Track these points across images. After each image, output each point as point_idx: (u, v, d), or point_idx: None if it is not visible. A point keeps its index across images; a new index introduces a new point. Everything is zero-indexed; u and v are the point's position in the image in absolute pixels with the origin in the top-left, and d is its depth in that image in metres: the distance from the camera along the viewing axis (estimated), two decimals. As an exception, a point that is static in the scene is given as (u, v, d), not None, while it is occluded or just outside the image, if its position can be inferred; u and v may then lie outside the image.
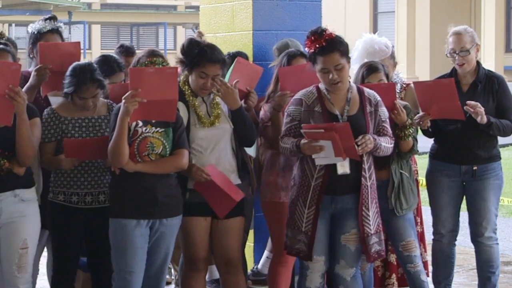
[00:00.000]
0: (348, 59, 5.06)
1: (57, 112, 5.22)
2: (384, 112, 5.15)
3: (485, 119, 5.59)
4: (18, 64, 4.96)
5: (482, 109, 5.58)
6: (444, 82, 5.65)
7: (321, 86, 5.13)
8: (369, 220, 5.05)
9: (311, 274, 5.18)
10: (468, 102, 5.57)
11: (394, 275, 6.10)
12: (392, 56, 6.49)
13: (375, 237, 5.10)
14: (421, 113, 5.65)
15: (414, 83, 5.69)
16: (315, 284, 5.19)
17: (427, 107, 5.61)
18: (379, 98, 5.15)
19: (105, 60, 5.69)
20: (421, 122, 5.64)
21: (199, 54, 5.16)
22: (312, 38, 5.02)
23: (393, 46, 6.59)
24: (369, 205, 5.06)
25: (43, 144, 5.18)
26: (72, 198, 5.20)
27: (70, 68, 5.20)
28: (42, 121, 5.21)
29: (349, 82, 5.15)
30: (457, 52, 5.76)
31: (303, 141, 4.98)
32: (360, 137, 4.94)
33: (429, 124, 5.67)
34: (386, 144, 5.10)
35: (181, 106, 5.19)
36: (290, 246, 5.21)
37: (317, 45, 4.99)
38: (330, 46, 4.99)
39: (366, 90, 5.15)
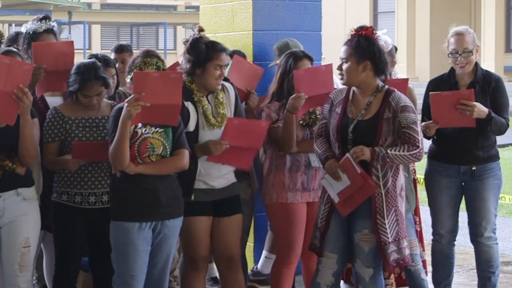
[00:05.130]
0: (361, 60, 5.00)
1: (61, 112, 5.23)
2: (407, 117, 4.97)
3: (484, 112, 5.58)
4: (31, 65, 4.95)
5: (477, 109, 5.56)
6: (463, 93, 5.61)
7: (353, 88, 5.14)
8: (386, 229, 4.99)
9: (322, 269, 5.18)
10: (463, 101, 5.55)
11: (392, 275, 6.11)
12: (391, 54, 6.50)
13: (393, 246, 5.02)
14: (428, 122, 5.65)
15: (431, 94, 5.60)
16: (325, 280, 5.18)
17: (440, 117, 5.60)
18: (403, 103, 5.00)
19: (92, 58, 5.73)
20: (427, 130, 5.64)
21: (209, 48, 5.19)
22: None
23: (396, 49, 6.61)
24: (384, 213, 4.99)
25: (46, 144, 5.19)
26: (75, 198, 5.21)
27: (74, 66, 5.21)
28: (46, 121, 5.22)
29: (378, 85, 5.08)
30: (459, 53, 5.76)
31: (329, 162, 5.04)
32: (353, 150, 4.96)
33: (433, 132, 5.68)
34: (400, 152, 4.94)
35: (190, 107, 5.20)
36: (310, 241, 5.26)
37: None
38: (348, 40, 5.07)
39: (393, 95, 5.04)
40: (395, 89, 5.11)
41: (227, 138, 5.08)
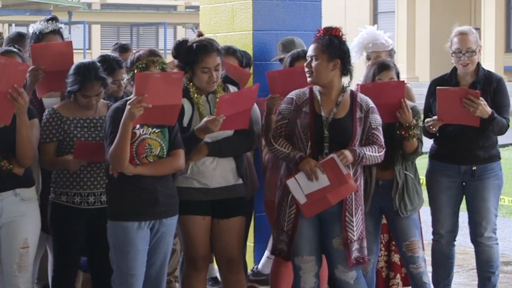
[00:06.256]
0: (332, 59, 5.05)
1: (58, 112, 5.23)
2: (375, 119, 5.13)
3: (488, 113, 5.57)
4: (26, 65, 4.96)
5: (481, 108, 5.55)
6: (471, 91, 5.61)
7: (315, 88, 5.17)
8: (353, 226, 5.07)
9: (304, 275, 5.20)
10: (470, 97, 5.55)
11: (398, 275, 6.10)
12: (390, 54, 6.52)
13: (357, 244, 5.10)
14: (434, 117, 5.66)
15: (438, 89, 5.61)
16: (309, 284, 5.20)
17: (445, 113, 5.60)
18: (371, 105, 5.14)
19: (104, 59, 5.67)
20: (431, 127, 5.65)
21: (192, 51, 5.18)
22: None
23: (394, 51, 6.61)
24: (353, 211, 5.08)
25: (44, 144, 5.18)
26: (75, 198, 5.22)
27: (73, 66, 5.21)
28: (43, 121, 5.21)
29: (343, 85, 5.16)
30: (463, 52, 5.76)
31: (307, 161, 5.00)
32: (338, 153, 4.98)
33: (437, 129, 5.68)
34: (373, 153, 5.08)
35: (186, 103, 5.19)
36: (274, 246, 5.25)
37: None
38: (317, 38, 5.11)
39: (359, 96, 5.16)
40: (359, 92, 5.21)
41: (222, 112, 5.06)
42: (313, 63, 5.07)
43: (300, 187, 5.04)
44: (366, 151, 5.05)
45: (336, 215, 5.08)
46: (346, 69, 5.13)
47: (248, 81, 6.26)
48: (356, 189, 5.05)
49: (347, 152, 4.98)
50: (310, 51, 5.12)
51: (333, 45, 5.07)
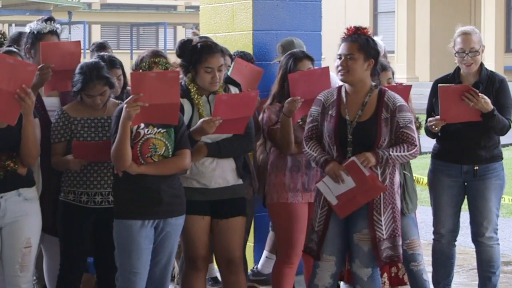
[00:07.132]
0: (367, 58, 5.04)
1: (66, 112, 5.26)
2: (404, 117, 5.04)
3: (489, 107, 5.57)
4: (35, 66, 4.95)
5: (484, 101, 5.56)
6: (471, 88, 5.62)
7: (343, 88, 5.15)
8: (381, 225, 5.03)
9: (320, 272, 5.20)
10: (471, 92, 5.54)
11: (385, 274, 6.11)
12: (384, 56, 6.53)
13: (388, 242, 5.06)
14: (436, 117, 5.67)
15: (439, 86, 5.62)
16: (323, 282, 5.20)
17: (447, 111, 5.60)
18: (399, 103, 5.06)
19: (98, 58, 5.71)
20: (433, 126, 5.65)
21: (196, 51, 5.18)
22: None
23: (388, 51, 6.61)
24: (381, 210, 5.03)
25: (53, 145, 5.22)
26: (82, 197, 5.23)
27: (78, 66, 5.23)
28: (53, 122, 5.25)
29: (372, 85, 5.12)
30: (466, 52, 5.77)
31: (332, 165, 5.01)
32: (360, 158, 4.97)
33: (439, 128, 5.68)
34: (400, 152, 5.00)
35: (186, 104, 5.20)
36: (305, 244, 5.26)
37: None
38: (350, 37, 5.08)
39: (388, 94, 5.09)
40: (387, 89, 5.15)
41: (219, 113, 5.06)
42: (349, 62, 5.04)
43: (330, 189, 5.07)
44: (392, 152, 4.97)
45: (362, 211, 5.06)
46: (375, 69, 5.14)
47: (260, 77, 6.25)
48: (385, 189, 5.01)
49: (368, 154, 4.95)
50: (344, 49, 5.06)
51: (369, 45, 5.06)
